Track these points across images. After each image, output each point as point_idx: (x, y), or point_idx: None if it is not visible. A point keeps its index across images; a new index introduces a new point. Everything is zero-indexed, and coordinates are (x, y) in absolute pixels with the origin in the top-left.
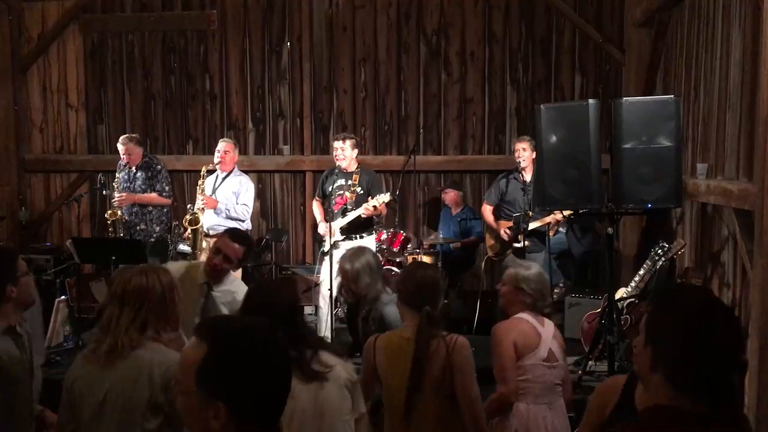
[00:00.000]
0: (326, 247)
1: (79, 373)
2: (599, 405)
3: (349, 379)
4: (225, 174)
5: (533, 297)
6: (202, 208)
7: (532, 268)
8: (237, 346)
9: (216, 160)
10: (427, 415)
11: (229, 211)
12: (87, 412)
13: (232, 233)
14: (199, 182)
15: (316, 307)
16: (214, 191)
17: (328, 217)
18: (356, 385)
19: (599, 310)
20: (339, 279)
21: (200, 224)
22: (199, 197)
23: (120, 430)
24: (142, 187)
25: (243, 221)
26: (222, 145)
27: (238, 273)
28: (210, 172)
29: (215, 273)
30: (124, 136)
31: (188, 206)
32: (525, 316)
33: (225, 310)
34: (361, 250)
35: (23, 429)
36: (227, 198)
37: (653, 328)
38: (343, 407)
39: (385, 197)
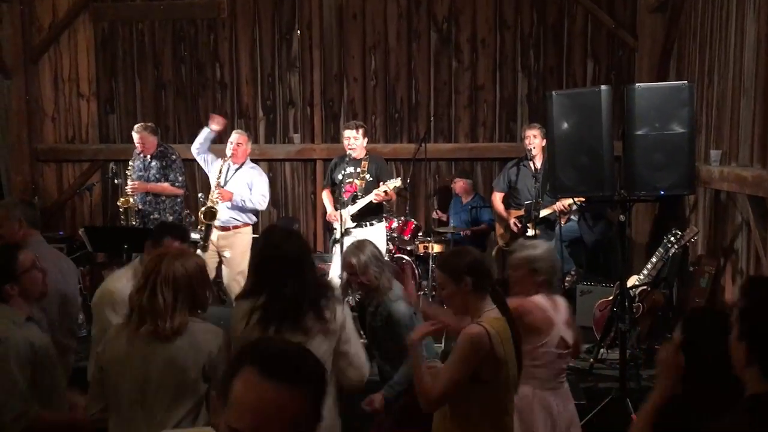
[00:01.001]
0: (337, 235)
1: (117, 355)
2: None
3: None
4: (237, 166)
5: (547, 275)
6: (217, 201)
7: (539, 246)
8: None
9: (228, 152)
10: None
11: (245, 201)
12: (129, 390)
13: (154, 234)
14: (216, 176)
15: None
16: (225, 183)
17: (339, 205)
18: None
19: (611, 297)
20: (345, 274)
21: (216, 218)
22: (214, 190)
23: (176, 401)
24: (157, 176)
25: (259, 210)
26: (235, 137)
27: None
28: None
29: None
30: (139, 124)
31: (199, 195)
32: (539, 299)
33: None
34: (362, 243)
35: (62, 409)
36: (241, 190)
37: (747, 323)
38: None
39: (397, 182)
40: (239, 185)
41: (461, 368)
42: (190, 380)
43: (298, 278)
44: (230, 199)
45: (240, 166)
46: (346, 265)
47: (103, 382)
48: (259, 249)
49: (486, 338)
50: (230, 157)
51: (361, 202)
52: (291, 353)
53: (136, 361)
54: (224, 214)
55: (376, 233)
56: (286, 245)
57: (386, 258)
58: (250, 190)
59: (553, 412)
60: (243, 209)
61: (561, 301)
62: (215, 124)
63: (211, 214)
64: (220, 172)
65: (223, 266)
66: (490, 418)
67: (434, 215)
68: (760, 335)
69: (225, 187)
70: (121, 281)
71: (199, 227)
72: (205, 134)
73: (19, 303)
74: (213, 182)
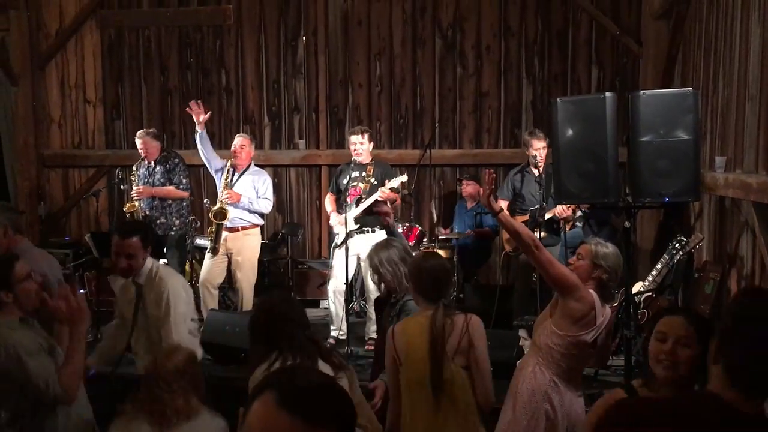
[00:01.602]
0: (339, 240)
1: None
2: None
3: None
4: (242, 170)
5: (608, 274)
6: (227, 202)
7: (610, 247)
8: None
9: (233, 155)
10: (448, 384)
11: (251, 203)
12: None
13: (120, 230)
14: (224, 177)
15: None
16: (230, 187)
17: (342, 211)
18: None
19: (616, 304)
20: (371, 271)
21: (227, 218)
22: (223, 192)
23: None
24: (161, 181)
25: (265, 214)
26: (238, 140)
27: (150, 263)
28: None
29: (130, 273)
30: (141, 130)
31: (205, 201)
32: (594, 293)
33: (153, 306)
34: (385, 243)
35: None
36: (247, 193)
37: (720, 323)
38: None
39: (403, 177)
40: (245, 188)
41: (386, 362)
42: None
43: (303, 333)
44: (239, 200)
45: (245, 170)
46: (368, 262)
47: None
48: (258, 318)
49: (390, 334)
50: (234, 160)
51: (366, 202)
52: (317, 387)
53: None
54: (232, 214)
55: (378, 239)
56: (283, 306)
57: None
58: (257, 192)
59: (554, 403)
60: (250, 211)
61: (608, 310)
62: (196, 116)
63: (222, 214)
64: (228, 172)
65: (233, 269)
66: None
67: (439, 232)
68: (728, 337)
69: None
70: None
71: (209, 230)
72: (198, 139)
73: (12, 310)
74: (221, 184)
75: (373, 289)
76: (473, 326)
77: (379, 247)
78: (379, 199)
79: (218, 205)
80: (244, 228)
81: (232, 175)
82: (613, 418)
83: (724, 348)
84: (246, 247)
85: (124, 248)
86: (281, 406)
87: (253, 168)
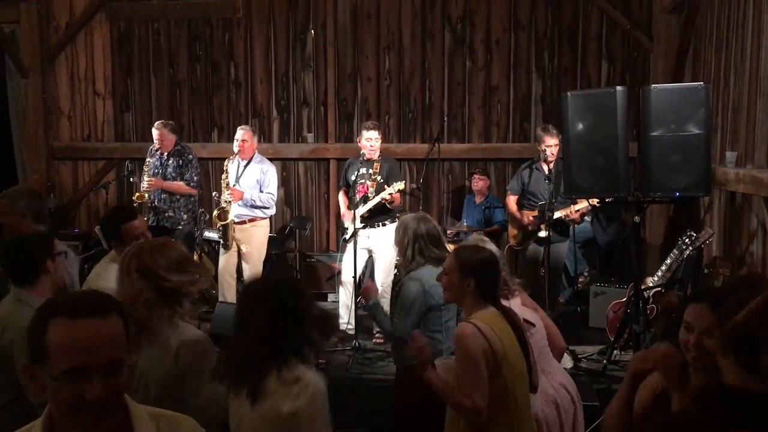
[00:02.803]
0: (348, 235)
1: None
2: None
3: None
4: (246, 162)
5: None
6: (230, 201)
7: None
8: None
9: (235, 149)
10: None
11: (254, 201)
12: None
13: (124, 215)
14: (223, 176)
15: (338, 295)
16: (237, 180)
17: (351, 206)
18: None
19: (625, 299)
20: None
21: (229, 220)
22: (225, 191)
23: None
24: (173, 174)
25: (267, 209)
26: (240, 134)
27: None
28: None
29: None
30: (159, 121)
31: (213, 194)
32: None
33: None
34: (415, 219)
35: None
36: (251, 186)
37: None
38: None
39: (400, 185)
40: (250, 180)
41: (477, 368)
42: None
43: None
44: (241, 198)
45: (249, 162)
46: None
47: None
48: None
49: (479, 334)
50: (237, 153)
51: (371, 203)
52: (87, 295)
53: None
54: (239, 210)
55: (388, 233)
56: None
57: (398, 258)
58: (260, 184)
59: (550, 392)
60: (254, 206)
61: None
62: None
63: (224, 214)
64: (226, 172)
65: (242, 262)
66: (501, 414)
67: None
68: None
69: (238, 184)
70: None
71: (217, 226)
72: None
73: (47, 287)
74: (222, 183)
75: (380, 283)
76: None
77: (403, 222)
78: (384, 201)
79: (221, 204)
80: (252, 220)
81: (237, 168)
82: None
83: (744, 351)
84: (254, 238)
85: (137, 229)
86: (76, 319)
87: (256, 158)
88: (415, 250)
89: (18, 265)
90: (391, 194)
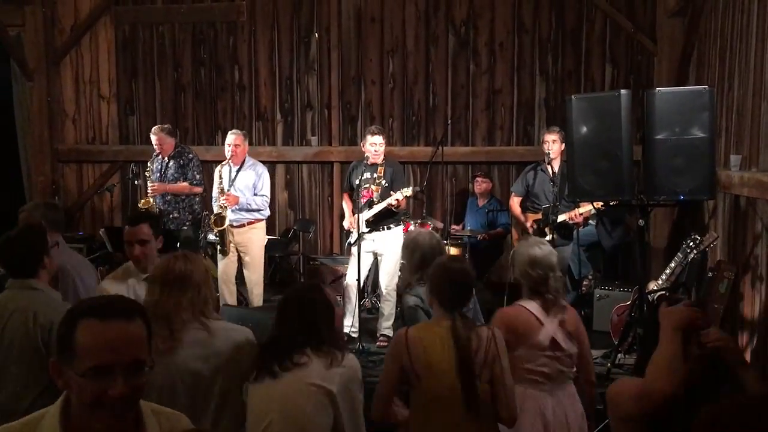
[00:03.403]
0: (352, 239)
1: None
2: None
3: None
4: (238, 167)
5: (536, 281)
6: (225, 207)
7: (543, 247)
8: None
9: (228, 154)
10: (479, 400)
11: (249, 204)
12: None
13: (130, 219)
14: (217, 182)
15: (343, 298)
16: (231, 184)
17: (356, 210)
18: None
19: (629, 302)
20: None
21: (225, 225)
22: (220, 197)
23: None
24: (175, 176)
25: (262, 211)
26: (232, 138)
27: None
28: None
29: (145, 262)
30: (156, 126)
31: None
32: (527, 303)
33: None
34: (420, 240)
35: None
36: (246, 190)
37: None
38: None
39: (408, 191)
40: (244, 184)
41: (387, 368)
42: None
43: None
44: (237, 203)
45: (241, 166)
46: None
47: None
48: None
49: (403, 341)
50: (230, 158)
51: (377, 208)
52: (114, 299)
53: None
54: (236, 214)
55: (393, 236)
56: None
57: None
58: (254, 187)
59: (547, 414)
60: (249, 210)
61: (557, 308)
62: None
63: (221, 220)
64: (220, 177)
65: (243, 269)
66: (420, 428)
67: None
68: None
69: (233, 188)
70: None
71: (215, 233)
72: None
73: (46, 280)
74: (216, 189)
75: (385, 286)
76: (498, 340)
77: (408, 241)
78: (391, 206)
79: (216, 210)
80: (250, 223)
81: (230, 173)
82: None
83: None
84: (252, 241)
85: (135, 235)
86: (105, 321)
87: (248, 162)
88: (420, 273)
89: (18, 260)
90: (398, 200)
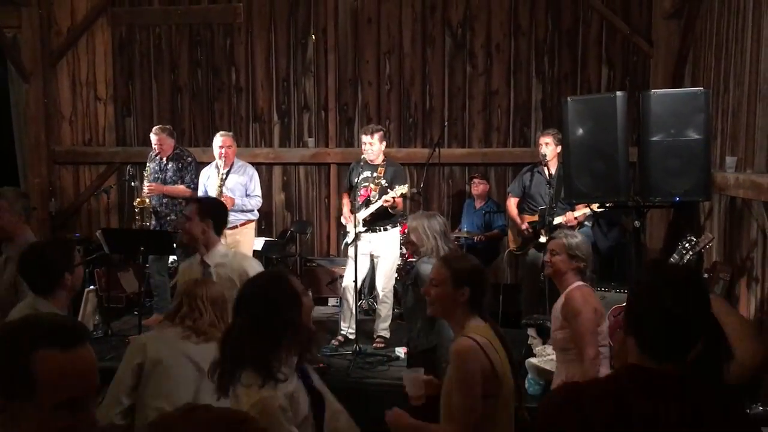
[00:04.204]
0: (349, 239)
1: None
2: None
3: None
4: (228, 168)
5: (585, 262)
6: None
7: (578, 236)
8: None
9: (217, 156)
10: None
11: (245, 205)
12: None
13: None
14: (217, 184)
15: (341, 299)
16: (222, 185)
17: (354, 209)
18: None
19: (625, 304)
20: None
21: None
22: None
23: None
24: (173, 178)
25: (254, 211)
26: (222, 140)
27: (223, 247)
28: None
29: (192, 240)
30: (158, 126)
31: None
32: (585, 285)
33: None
34: (426, 214)
35: None
36: (237, 191)
37: (628, 300)
38: None
39: (403, 188)
40: (235, 186)
41: (471, 392)
42: None
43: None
44: (233, 204)
45: (231, 168)
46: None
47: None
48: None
49: (479, 350)
50: (223, 160)
51: (373, 207)
52: (65, 323)
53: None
54: (229, 216)
55: (390, 238)
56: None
57: (399, 263)
58: (246, 189)
59: None
60: (243, 211)
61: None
62: None
63: None
64: (219, 178)
65: None
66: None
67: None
68: (631, 309)
69: (224, 189)
70: None
71: None
72: None
73: (63, 298)
74: (215, 192)
75: (382, 288)
76: None
77: (424, 215)
78: (385, 205)
79: None
80: (242, 224)
81: (219, 174)
82: (557, 399)
83: (630, 321)
84: (243, 243)
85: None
86: (66, 349)
87: (237, 163)
88: (436, 241)
89: (36, 275)
90: (393, 198)
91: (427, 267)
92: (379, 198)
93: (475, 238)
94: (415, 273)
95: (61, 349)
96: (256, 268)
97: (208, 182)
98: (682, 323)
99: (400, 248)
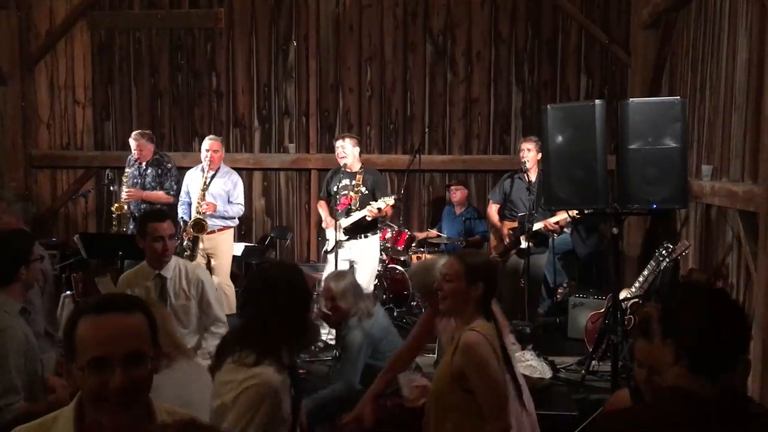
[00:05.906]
0: (329, 246)
1: None
2: None
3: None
4: (213, 173)
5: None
6: (204, 213)
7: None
8: None
9: (205, 160)
10: None
11: (227, 212)
12: None
13: (152, 216)
14: (201, 186)
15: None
16: (204, 190)
17: (334, 218)
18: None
19: (603, 310)
20: (321, 299)
21: (205, 230)
22: (201, 203)
23: None
24: (152, 183)
25: (234, 218)
26: (210, 144)
27: (175, 259)
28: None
29: (165, 259)
30: (137, 131)
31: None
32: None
33: (175, 296)
34: (343, 273)
35: (39, 397)
36: (220, 197)
37: (670, 324)
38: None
39: (390, 200)
40: (218, 191)
41: (495, 379)
42: None
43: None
44: (215, 211)
45: (215, 172)
46: (325, 290)
47: None
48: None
49: (485, 341)
50: (208, 165)
51: (355, 216)
52: (115, 296)
53: None
54: (208, 221)
55: (371, 245)
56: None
57: (379, 269)
58: (228, 195)
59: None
60: (224, 217)
61: None
62: None
63: (200, 226)
64: (203, 182)
65: (212, 274)
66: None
67: (428, 233)
68: (684, 333)
69: (209, 195)
70: None
71: (190, 237)
72: None
73: (17, 291)
74: (197, 195)
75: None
76: None
77: (340, 276)
78: (368, 217)
79: (195, 216)
80: (220, 230)
81: (203, 179)
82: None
83: (682, 345)
84: (221, 249)
85: (167, 230)
86: (101, 314)
87: (223, 169)
88: (357, 298)
89: None
90: (379, 209)
91: (353, 334)
92: (360, 206)
93: (457, 242)
94: (343, 341)
95: (96, 313)
96: (209, 278)
97: (191, 184)
98: (738, 344)
99: (381, 254)
